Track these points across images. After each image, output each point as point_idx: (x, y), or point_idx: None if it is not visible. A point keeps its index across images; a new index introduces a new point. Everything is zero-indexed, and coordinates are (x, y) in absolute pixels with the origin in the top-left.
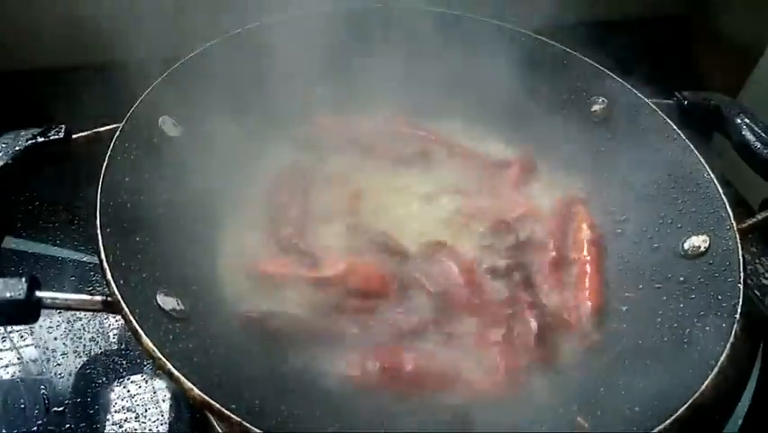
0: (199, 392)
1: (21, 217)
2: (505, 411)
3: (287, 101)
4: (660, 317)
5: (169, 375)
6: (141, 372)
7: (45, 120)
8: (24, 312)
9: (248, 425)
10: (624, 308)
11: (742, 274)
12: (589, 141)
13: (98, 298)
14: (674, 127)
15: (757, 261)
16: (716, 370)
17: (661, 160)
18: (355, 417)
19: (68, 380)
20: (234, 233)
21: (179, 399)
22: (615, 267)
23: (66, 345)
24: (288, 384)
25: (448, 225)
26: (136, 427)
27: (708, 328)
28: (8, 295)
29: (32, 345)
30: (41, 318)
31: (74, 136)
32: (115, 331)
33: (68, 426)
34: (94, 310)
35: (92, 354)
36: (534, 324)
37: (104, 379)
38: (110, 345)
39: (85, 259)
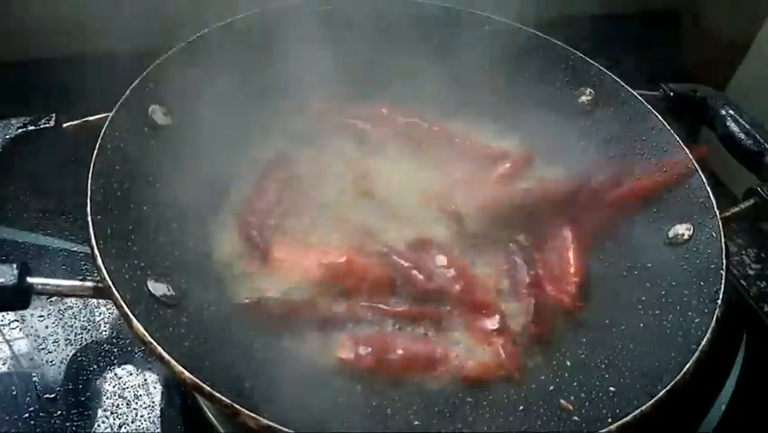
0: (189, 375)
1: (11, 207)
2: (496, 396)
3: (278, 91)
4: (643, 303)
5: (160, 359)
6: (132, 359)
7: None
8: (15, 298)
9: (238, 407)
10: (607, 294)
11: (724, 261)
12: (576, 131)
13: (89, 283)
14: (659, 118)
15: (743, 252)
16: (697, 354)
17: (646, 149)
18: (346, 401)
19: (59, 367)
20: (225, 220)
21: (171, 386)
22: (600, 254)
23: (57, 334)
24: (278, 368)
25: (439, 215)
26: (127, 413)
27: (690, 314)
28: None
29: (22, 333)
30: (32, 307)
31: (64, 125)
32: (106, 320)
33: (59, 412)
34: (85, 296)
35: (83, 342)
36: (531, 300)
37: (95, 367)
38: (101, 333)
39: (75, 249)
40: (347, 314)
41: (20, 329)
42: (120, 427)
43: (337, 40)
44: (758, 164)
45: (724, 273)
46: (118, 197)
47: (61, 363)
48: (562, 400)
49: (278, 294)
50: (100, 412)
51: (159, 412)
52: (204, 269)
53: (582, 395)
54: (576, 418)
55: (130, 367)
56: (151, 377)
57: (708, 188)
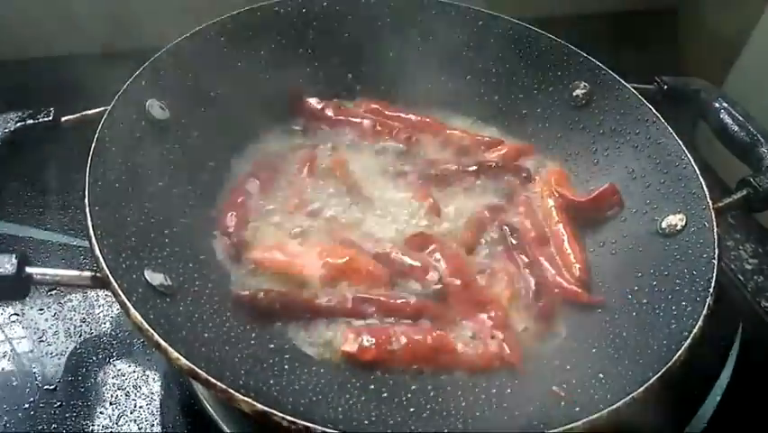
0: (185, 361)
1: (11, 201)
2: (490, 383)
3: (276, 86)
4: (635, 292)
5: (156, 346)
6: (131, 352)
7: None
8: (14, 288)
9: (232, 391)
10: (604, 284)
11: (717, 251)
12: (571, 124)
13: (87, 273)
14: (653, 111)
15: (740, 247)
16: (688, 341)
17: (640, 142)
18: (344, 389)
19: (59, 360)
20: (220, 213)
21: (170, 378)
22: (594, 245)
23: (57, 327)
24: (276, 357)
25: (432, 212)
26: (126, 404)
27: (683, 303)
28: None
29: (22, 326)
30: (31, 301)
31: (62, 119)
32: (106, 313)
33: (59, 404)
34: (83, 286)
35: (83, 334)
36: (532, 280)
37: (94, 359)
38: (101, 326)
39: (75, 243)
40: (348, 308)
41: (20, 322)
42: (119, 418)
43: (329, 35)
44: (751, 155)
45: (716, 263)
46: (116, 189)
47: (61, 355)
48: (554, 387)
49: (277, 287)
50: (99, 403)
51: (158, 404)
52: (202, 260)
53: (574, 382)
54: (568, 404)
55: (129, 359)
56: (151, 369)
57: (701, 179)
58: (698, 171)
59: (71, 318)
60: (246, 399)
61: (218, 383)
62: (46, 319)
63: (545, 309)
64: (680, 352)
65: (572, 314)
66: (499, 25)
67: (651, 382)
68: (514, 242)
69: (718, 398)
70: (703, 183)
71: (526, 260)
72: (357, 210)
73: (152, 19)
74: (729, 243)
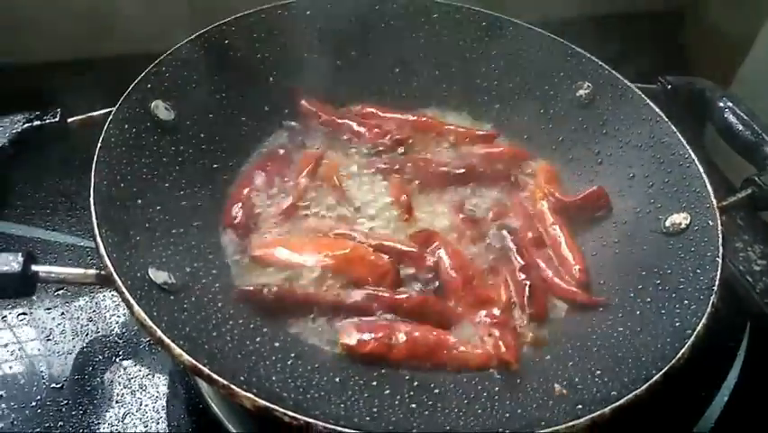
0: (188, 357)
1: (18, 202)
2: (492, 381)
3: (277, 88)
4: (639, 291)
5: (160, 342)
6: (137, 351)
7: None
8: (20, 286)
9: (234, 387)
10: (604, 283)
11: (721, 249)
12: (574, 124)
13: (92, 271)
14: (657, 110)
15: (749, 248)
16: (692, 339)
17: (644, 141)
18: (345, 385)
19: (65, 358)
20: (226, 206)
21: (175, 378)
22: (598, 244)
23: (64, 326)
24: (278, 354)
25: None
26: (132, 403)
27: (686, 301)
28: (4, 268)
29: (30, 325)
30: (39, 300)
31: (69, 120)
32: (112, 312)
33: (65, 402)
34: (88, 284)
35: (90, 334)
36: (526, 281)
37: (101, 358)
38: (107, 325)
39: (81, 243)
40: (350, 303)
41: (27, 321)
42: (125, 416)
43: (331, 38)
44: (755, 154)
45: (720, 261)
46: (121, 188)
47: (68, 354)
48: (555, 385)
49: (282, 283)
50: (106, 402)
51: (164, 403)
52: (205, 258)
53: (576, 380)
54: (570, 401)
55: (135, 359)
56: (157, 369)
57: (705, 178)
58: (702, 170)
59: (78, 318)
60: (248, 394)
61: (220, 379)
62: (53, 318)
63: (540, 310)
64: (683, 350)
65: (574, 313)
66: (502, 26)
67: (654, 379)
68: (512, 245)
69: (726, 398)
70: (707, 182)
71: (522, 262)
72: (347, 213)
73: (158, 22)
74: (738, 244)
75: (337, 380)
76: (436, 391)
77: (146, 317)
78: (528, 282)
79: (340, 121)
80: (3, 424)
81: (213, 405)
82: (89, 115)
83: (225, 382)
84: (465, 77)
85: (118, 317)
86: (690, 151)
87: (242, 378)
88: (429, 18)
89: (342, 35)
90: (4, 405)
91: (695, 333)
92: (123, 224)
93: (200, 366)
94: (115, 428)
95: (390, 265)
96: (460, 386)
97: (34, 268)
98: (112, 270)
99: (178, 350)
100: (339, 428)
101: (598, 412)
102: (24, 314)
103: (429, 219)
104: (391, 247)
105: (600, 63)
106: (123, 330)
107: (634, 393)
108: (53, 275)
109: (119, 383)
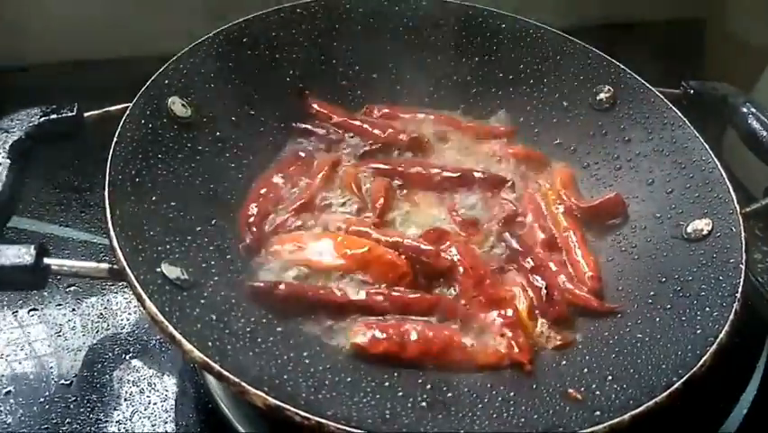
0: (199, 354)
1: (33, 198)
2: (506, 384)
3: (294, 88)
4: (659, 297)
5: (171, 338)
6: (147, 349)
7: None
8: (32, 278)
9: (245, 385)
10: (622, 289)
11: (744, 256)
12: (594, 129)
13: (104, 265)
14: (679, 114)
15: None
16: (714, 346)
17: (665, 146)
18: (357, 384)
19: (75, 355)
20: (239, 208)
21: (184, 376)
22: (615, 249)
23: (74, 322)
24: (290, 352)
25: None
26: (141, 401)
27: (707, 309)
28: (17, 261)
29: (40, 320)
30: (49, 296)
31: (85, 114)
32: (123, 309)
33: (74, 398)
34: (100, 278)
35: (100, 330)
36: (542, 282)
37: (110, 355)
38: (118, 322)
39: (95, 240)
40: (362, 303)
41: (38, 317)
42: (133, 414)
43: (349, 38)
44: None
45: (743, 268)
46: (136, 183)
47: (78, 350)
48: (571, 390)
49: (294, 280)
50: (114, 400)
51: (172, 402)
52: (219, 254)
53: (593, 386)
54: (587, 407)
55: (145, 357)
56: (166, 367)
57: (728, 184)
58: (725, 176)
59: (89, 315)
60: (259, 393)
61: (231, 377)
62: (64, 315)
63: (563, 311)
64: (705, 357)
65: (591, 318)
66: (522, 28)
67: (675, 386)
68: (516, 246)
69: (745, 411)
70: (730, 187)
71: (532, 264)
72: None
73: (178, 20)
74: (756, 255)
75: (349, 380)
76: (449, 394)
77: (158, 312)
78: (545, 283)
79: (352, 122)
80: (11, 419)
81: (222, 405)
82: (106, 110)
83: (237, 380)
84: (480, 79)
85: (129, 314)
86: (712, 156)
87: (253, 376)
88: (446, 20)
89: (359, 35)
90: (12, 401)
91: (717, 340)
92: (136, 218)
93: (211, 363)
94: (123, 426)
95: (408, 267)
96: (473, 389)
97: (46, 261)
98: (124, 264)
99: (189, 346)
100: (352, 430)
101: (617, 419)
102: (35, 310)
103: (427, 222)
104: (408, 245)
105: (622, 67)
106: (134, 328)
107: (654, 401)
108: (65, 268)
109: (128, 381)
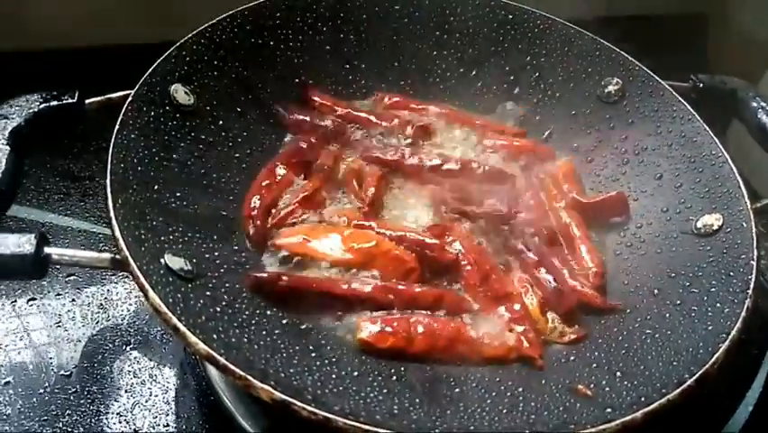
0: (204, 346)
1: (33, 187)
2: (515, 380)
3: (298, 76)
4: (668, 293)
5: (174, 330)
6: (148, 340)
7: None
8: (32, 267)
9: (251, 379)
10: (629, 284)
11: (755, 252)
12: (600, 121)
13: (106, 255)
14: (689, 108)
15: None
16: (727, 343)
17: (674, 140)
18: (363, 378)
19: (75, 345)
20: (242, 199)
21: (185, 368)
22: (622, 245)
23: (74, 312)
24: (296, 346)
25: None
26: (141, 392)
27: (718, 305)
28: (17, 250)
29: (40, 311)
30: (49, 285)
31: (87, 101)
32: (123, 300)
33: (74, 389)
34: (101, 268)
35: (100, 321)
36: (550, 278)
37: (111, 346)
38: (118, 313)
39: (95, 229)
40: (367, 296)
41: (37, 307)
42: (134, 405)
43: (356, 27)
44: None
45: (755, 264)
46: (139, 171)
47: (77, 341)
48: (580, 386)
49: (301, 273)
50: (114, 391)
51: (173, 394)
52: (223, 245)
53: (603, 382)
54: (597, 404)
55: (146, 348)
56: (167, 359)
57: (739, 178)
58: (735, 170)
59: (89, 305)
60: (266, 387)
61: (237, 370)
62: (63, 305)
63: (569, 307)
64: (718, 354)
65: (600, 314)
66: (530, 19)
67: (688, 383)
68: (519, 242)
69: (750, 408)
70: (740, 182)
71: (536, 259)
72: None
73: (181, 6)
74: (762, 252)
75: (356, 374)
76: (457, 389)
77: (161, 304)
78: (552, 276)
79: (355, 113)
80: (10, 410)
81: (224, 398)
82: (107, 96)
83: (242, 374)
84: (488, 71)
85: (129, 305)
86: (722, 150)
87: (259, 369)
88: (454, 11)
89: (366, 26)
90: (11, 391)
91: (729, 337)
92: (139, 207)
93: (217, 356)
94: (123, 417)
95: (416, 263)
96: (482, 384)
97: (47, 250)
98: (127, 253)
99: (194, 339)
100: (360, 425)
101: (630, 417)
102: (34, 299)
103: (422, 214)
104: (412, 239)
105: (631, 59)
106: (134, 319)
107: (666, 398)
108: (66, 258)
109: (128, 373)
